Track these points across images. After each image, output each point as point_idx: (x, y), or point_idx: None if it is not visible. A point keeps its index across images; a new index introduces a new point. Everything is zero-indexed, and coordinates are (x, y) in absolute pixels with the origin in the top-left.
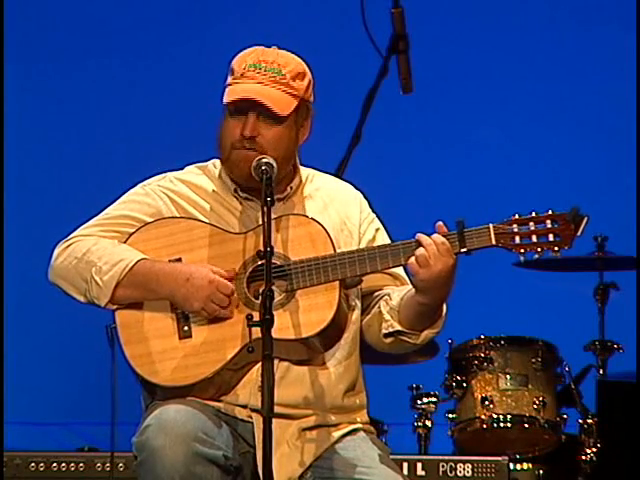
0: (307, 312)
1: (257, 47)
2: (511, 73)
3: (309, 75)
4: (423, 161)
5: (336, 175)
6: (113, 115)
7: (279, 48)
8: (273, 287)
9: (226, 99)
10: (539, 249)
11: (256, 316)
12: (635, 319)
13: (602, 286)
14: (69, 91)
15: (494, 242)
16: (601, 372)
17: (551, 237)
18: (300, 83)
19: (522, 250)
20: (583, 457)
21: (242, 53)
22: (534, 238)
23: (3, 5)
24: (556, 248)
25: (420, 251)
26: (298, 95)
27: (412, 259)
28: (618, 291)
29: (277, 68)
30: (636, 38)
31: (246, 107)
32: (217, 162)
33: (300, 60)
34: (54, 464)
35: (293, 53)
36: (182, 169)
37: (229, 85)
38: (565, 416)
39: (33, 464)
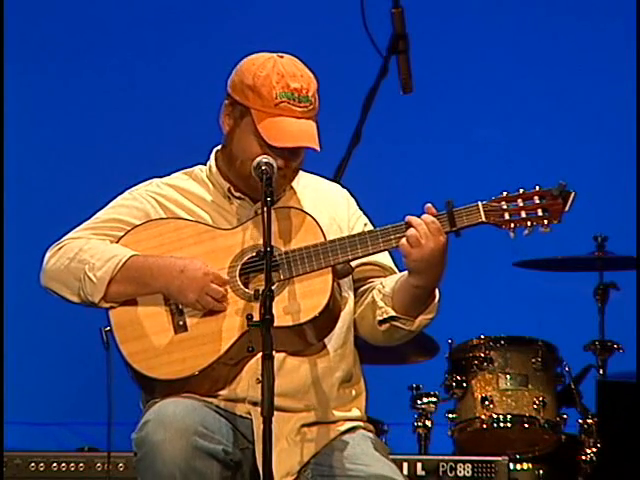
0: (302, 299)
1: (272, 60)
2: (511, 72)
3: None
4: (423, 161)
5: (335, 175)
6: (111, 118)
7: (283, 53)
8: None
9: (274, 142)
10: (528, 223)
11: (256, 314)
12: (635, 319)
13: (602, 286)
14: (67, 93)
15: (484, 219)
16: (601, 372)
17: (540, 212)
18: (317, 100)
19: (512, 225)
20: (583, 457)
21: (263, 72)
22: (523, 214)
23: (3, 5)
24: (545, 222)
25: (411, 231)
26: (317, 114)
27: (403, 240)
28: (618, 291)
29: (305, 95)
30: (636, 38)
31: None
32: (203, 167)
33: (310, 72)
34: (54, 464)
35: (299, 59)
36: (169, 175)
37: (262, 114)
38: (565, 416)
39: (33, 464)
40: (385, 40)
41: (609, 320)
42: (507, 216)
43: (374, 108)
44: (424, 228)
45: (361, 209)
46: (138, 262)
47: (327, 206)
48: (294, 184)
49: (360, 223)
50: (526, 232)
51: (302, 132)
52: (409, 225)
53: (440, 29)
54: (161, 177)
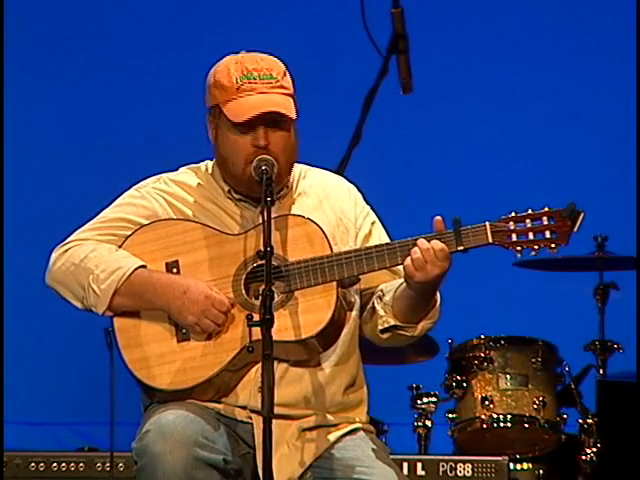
0: (305, 313)
1: (231, 56)
2: (510, 73)
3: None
4: (423, 161)
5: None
6: (110, 118)
7: (247, 52)
8: (272, 288)
9: (239, 118)
10: (536, 246)
11: (256, 316)
12: (635, 319)
13: (602, 286)
14: (67, 93)
15: (491, 240)
16: (601, 372)
17: (548, 234)
18: (287, 80)
19: (519, 247)
20: (583, 457)
21: (221, 67)
22: (531, 235)
23: (3, 5)
24: (553, 245)
25: (417, 254)
26: (290, 93)
27: (408, 261)
28: (618, 291)
29: (267, 73)
30: (636, 38)
31: (255, 120)
32: (210, 163)
33: (274, 59)
34: (54, 464)
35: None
36: (176, 170)
37: (227, 102)
38: (565, 416)
39: (33, 464)
40: (385, 40)
41: (609, 320)
42: (514, 237)
43: (374, 108)
44: (431, 255)
45: (368, 203)
46: (142, 277)
47: (334, 204)
48: (300, 183)
49: (367, 223)
50: (533, 253)
51: (267, 101)
52: (416, 246)
53: (440, 29)
54: (168, 172)
